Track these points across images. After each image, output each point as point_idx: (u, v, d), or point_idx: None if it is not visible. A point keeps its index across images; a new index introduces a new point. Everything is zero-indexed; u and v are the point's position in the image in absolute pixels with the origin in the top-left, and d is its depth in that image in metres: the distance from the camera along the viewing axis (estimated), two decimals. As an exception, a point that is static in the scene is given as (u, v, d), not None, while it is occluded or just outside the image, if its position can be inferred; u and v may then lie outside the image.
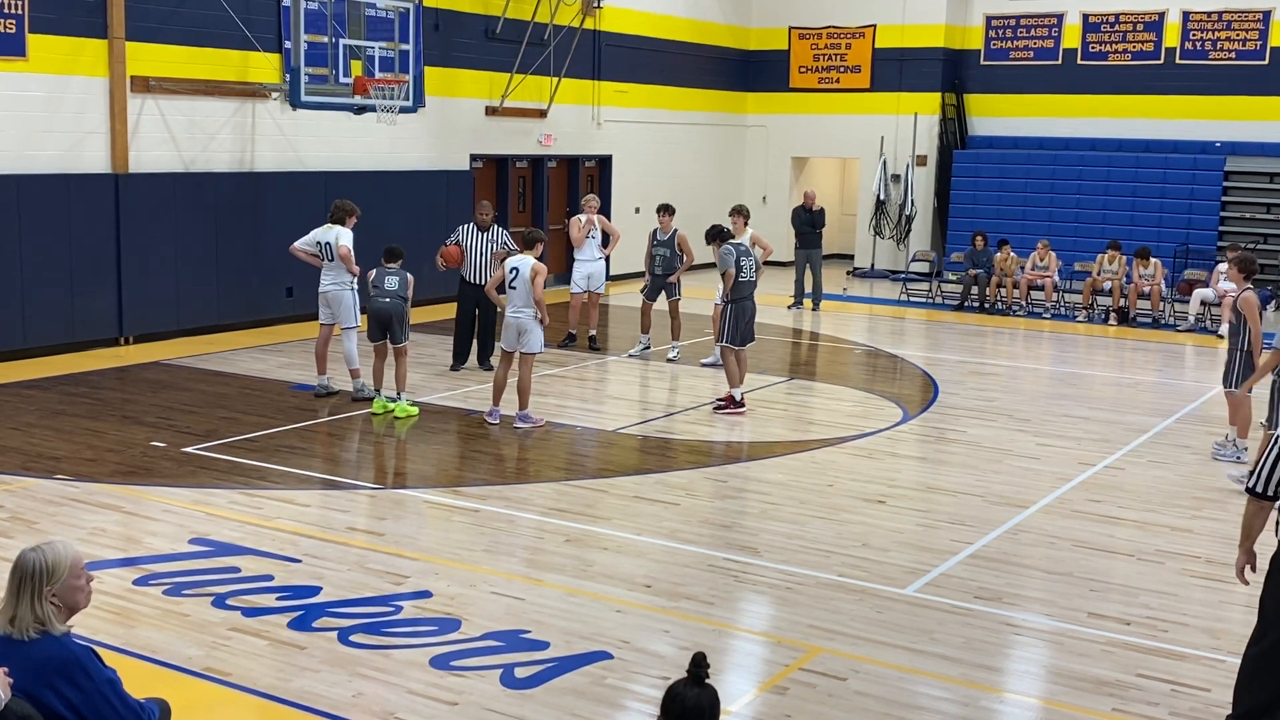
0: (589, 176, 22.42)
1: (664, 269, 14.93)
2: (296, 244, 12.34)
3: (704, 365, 14.51)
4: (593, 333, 15.40)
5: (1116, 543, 8.52)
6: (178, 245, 15.08)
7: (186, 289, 15.22)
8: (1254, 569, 5.64)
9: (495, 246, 13.46)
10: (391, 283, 11.78)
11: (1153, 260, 19.34)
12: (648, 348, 15.14)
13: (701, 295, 17.67)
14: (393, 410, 11.68)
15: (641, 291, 15.37)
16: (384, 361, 11.95)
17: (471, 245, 13.47)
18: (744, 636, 6.91)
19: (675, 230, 14.94)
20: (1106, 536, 8.63)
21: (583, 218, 15.43)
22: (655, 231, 15.08)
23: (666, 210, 15.01)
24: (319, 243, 12.16)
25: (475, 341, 13.97)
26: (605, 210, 22.25)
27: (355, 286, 12.14)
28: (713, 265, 12.76)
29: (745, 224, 13.52)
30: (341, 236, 12.01)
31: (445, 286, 14.47)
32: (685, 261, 14.95)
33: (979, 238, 20.44)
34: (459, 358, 13.95)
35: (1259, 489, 5.52)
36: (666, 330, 15.22)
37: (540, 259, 11.41)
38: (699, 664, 3.65)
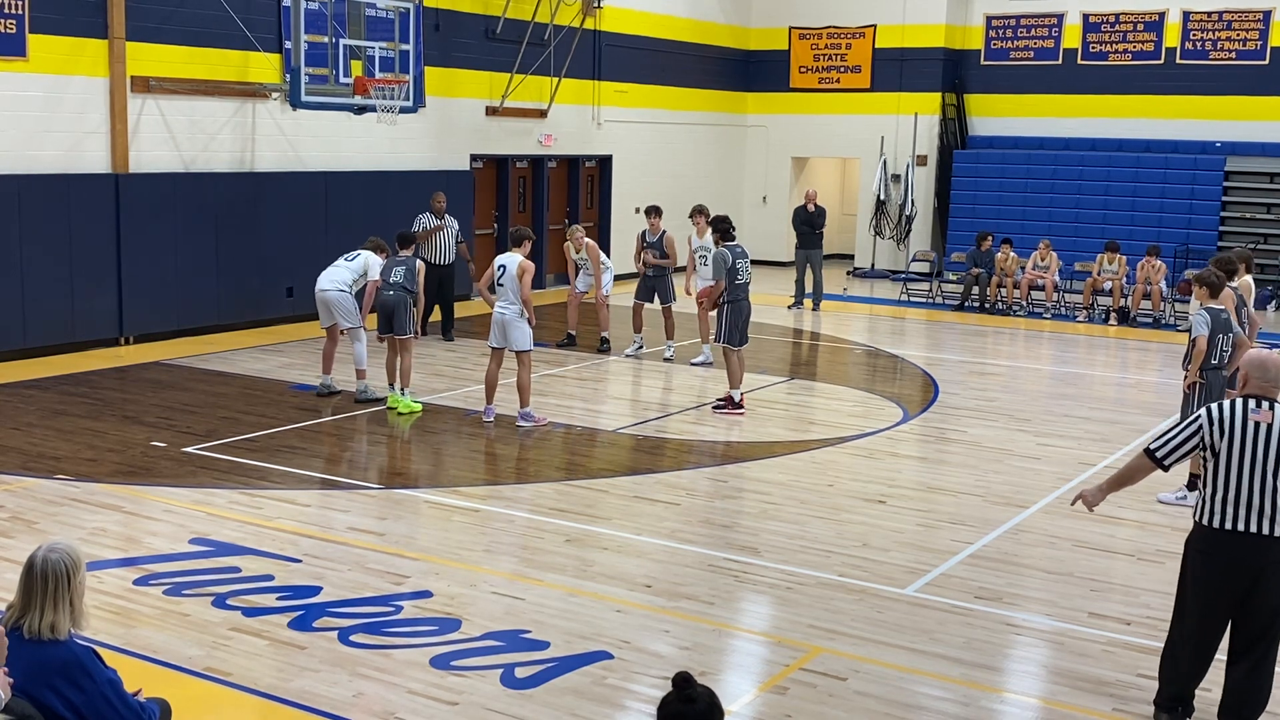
0: (589, 177, 22.42)
1: (654, 270, 15.03)
2: (370, 282, 12.08)
3: (693, 365, 14.51)
4: (604, 334, 15.37)
5: (1117, 543, 8.52)
6: (178, 245, 15.08)
7: (186, 289, 15.21)
8: (1090, 509, 6.04)
9: (452, 231, 15.49)
10: (398, 274, 11.82)
11: (1158, 262, 19.30)
12: (641, 347, 15.14)
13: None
14: (395, 406, 11.71)
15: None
16: (396, 355, 11.97)
17: (433, 235, 15.31)
18: (744, 636, 6.91)
19: (664, 231, 15.01)
20: (1107, 536, 8.63)
21: (570, 247, 15.49)
22: (644, 233, 15.15)
23: (655, 212, 15.16)
24: (348, 257, 12.28)
25: (440, 317, 15.48)
26: (605, 211, 22.34)
27: (356, 291, 12.12)
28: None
29: (707, 222, 13.65)
30: (371, 270, 12.04)
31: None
32: (672, 259, 15.00)
33: (986, 239, 20.33)
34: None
35: (1159, 454, 5.68)
36: (659, 330, 15.20)
37: (529, 257, 11.31)
38: (680, 686, 3.54)
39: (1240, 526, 5.44)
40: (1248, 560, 5.45)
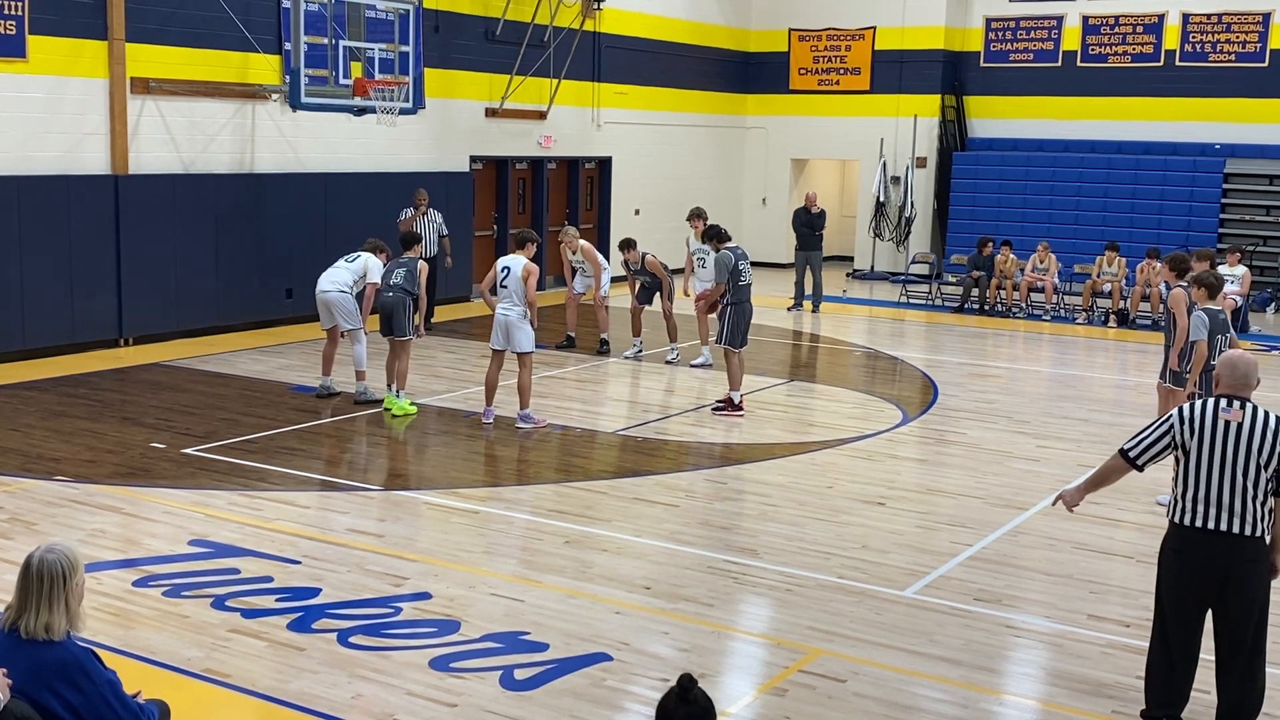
0: (589, 178, 22.42)
1: (652, 285, 15.16)
2: (368, 285, 12.07)
3: (694, 366, 14.51)
4: (603, 335, 15.36)
5: (1116, 545, 8.53)
6: (178, 246, 15.08)
7: (186, 290, 15.21)
8: (1070, 510, 6.02)
9: (435, 226, 16.06)
10: (398, 276, 11.79)
11: (1158, 264, 19.31)
12: (640, 350, 15.14)
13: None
14: (390, 408, 11.70)
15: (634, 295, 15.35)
16: (396, 357, 11.96)
17: (416, 227, 15.47)
18: (743, 638, 6.91)
19: (644, 255, 15.04)
20: (1106, 538, 8.63)
21: (566, 250, 15.47)
22: (626, 262, 15.16)
23: (628, 246, 15.12)
24: (348, 259, 12.23)
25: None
26: (605, 212, 22.33)
27: (357, 293, 12.10)
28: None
29: (703, 223, 14.05)
30: (371, 273, 12.01)
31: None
32: (665, 283, 15.04)
33: (988, 244, 20.22)
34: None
35: (1132, 454, 5.69)
36: (660, 331, 15.20)
37: (534, 260, 11.29)
38: (686, 688, 3.64)
39: (1211, 525, 5.47)
40: (1218, 558, 5.48)
